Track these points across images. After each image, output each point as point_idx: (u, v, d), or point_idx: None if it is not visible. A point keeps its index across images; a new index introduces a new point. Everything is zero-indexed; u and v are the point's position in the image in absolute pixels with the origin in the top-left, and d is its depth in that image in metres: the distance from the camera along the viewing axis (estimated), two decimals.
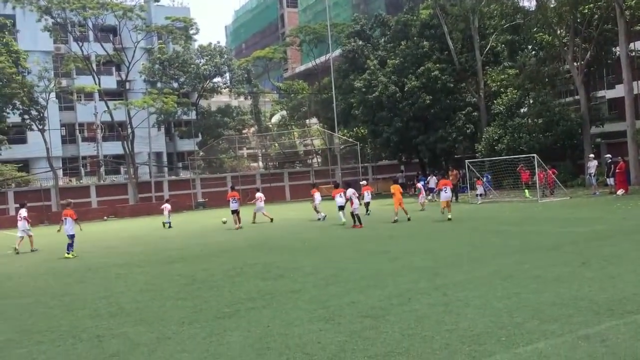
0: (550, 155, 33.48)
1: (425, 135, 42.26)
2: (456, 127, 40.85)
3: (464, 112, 41.34)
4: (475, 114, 41.62)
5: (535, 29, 38.91)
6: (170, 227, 29.07)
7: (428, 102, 40.40)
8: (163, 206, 30.83)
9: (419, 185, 29.76)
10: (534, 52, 41.09)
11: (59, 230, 19.30)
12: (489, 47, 40.91)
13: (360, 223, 21.14)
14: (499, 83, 39.49)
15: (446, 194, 21.78)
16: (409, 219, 22.26)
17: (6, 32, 46.08)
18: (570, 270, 10.01)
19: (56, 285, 12.68)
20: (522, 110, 38.46)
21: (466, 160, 32.26)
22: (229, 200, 25.71)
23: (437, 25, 41.76)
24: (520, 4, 40.42)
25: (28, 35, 52.57)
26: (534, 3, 38.29)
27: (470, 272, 10.51)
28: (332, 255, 14.35)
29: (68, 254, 18.08)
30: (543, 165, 28.34)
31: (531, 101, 38.48)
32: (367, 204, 26.74)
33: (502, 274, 10.02)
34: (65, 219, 18.66)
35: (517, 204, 26.67)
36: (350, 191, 21.93)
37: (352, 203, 21.82)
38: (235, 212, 25.21)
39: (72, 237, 18.37)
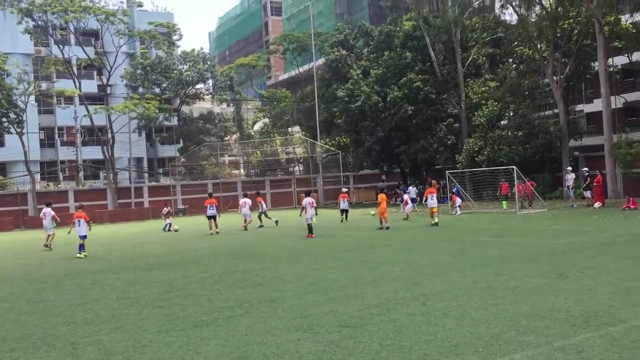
0: (529, 167, 33.86)
1: (406, 145, 42.49)
2: (437, 137, 41.16)
3: (445, 123, 41.69)
4: (457, 125, 42.01)
5: (516, 43, 39.52)
6: (175, 230, 29.23)
7: (410, 112, 40.65)
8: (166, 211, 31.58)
9: (405, 196, 29.90)
10: (514, 66, 41.68)
11: (69, 232, 20.14)
12: (470, 59, 41.36)
13: (311, 233, 21.34)
14: (479, 95, 39.90)
15: (432, 201, 23.93)
16: (387, 228, 22.50)
17: None
18: (547, 281, 10.11)
19: (31, 291, 12.47)
20: (502, 122, 38.90)
21: (447, 171, 32.51)
22: (207, 207, 26.20)
23: (420, 37, 42.13)
24: (502, 18, 41.05)
25: (8, 37, 51.86)
26: (515, 17, 38.90)
27: (449, 282, 10.56)
28: (312, 264, 14.32)
29: (80, 254, 18.96)
30: (522, 177, 28.65)
31: (511, 114, 38.94)
32: (343, 211, 28.37)
33: (481, 285, 10.08)
34: (78, 220, 19.51)
35: (496, 216, 26.90)
36: (307, 200, 21.85)
37: (305, 212, 21.73)
38: (212, 218, 25.84)
39: (84, 237, 19.28)
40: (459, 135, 41.46)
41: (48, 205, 23.48)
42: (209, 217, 25.85)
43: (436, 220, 23.31)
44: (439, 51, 42.13)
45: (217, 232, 25.28)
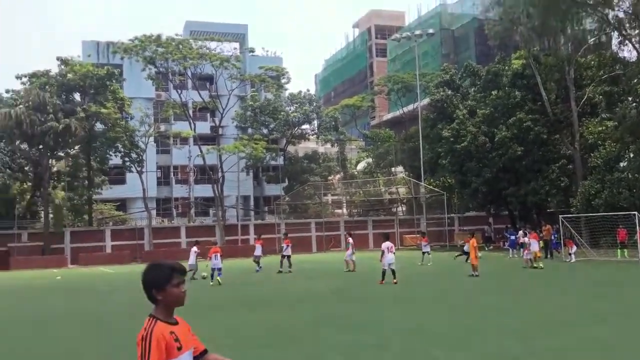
0: None
1: (515, 187, 40.88)
2: (549, 179, 39.27)
3: (557, 164, 39.72)
4: (570, 166, 39.88)
5: (635, 80, 37.18)
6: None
7: (519, 153, 39.23)
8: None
9: (525, 239, 27.85)
10: (634, 104, 39.12)
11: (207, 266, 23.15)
12: (585, 97, 39.40)
13: (383, 279, 19.92)
14: (596, 135, 37.80)
15: (535, 246, 25.26)
16: (476, 276, 21.10)
17: (114, 81, 49.55)
18: None
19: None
20: (621, 164, 36.50)
21: (560, 216, 30.79)
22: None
23: (530, 76, 40.80)
24: (620, 55, 38.90)
25: (133, 83, 56.21)
26: (634, 54, 36.76)
27: (565, 338, 9.85)
28: (416, 307, 13.97)
29: (215, 280, 22.01)
30: None
31: (631, 155, 36.47)
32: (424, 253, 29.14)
33: (601, 342, 9.31)
34: (215, 255, 22.39)
35: (615, 264, 25.04)
36: (385, 244, 20.42)
37: (383, 256, 20.11)
38: (287, 257, 27.16)
39: (220, 269, 22.15)
40: (573, 178, 39.29)
41: (196, 244, 26.32)
42: (286, 257, 27.15)
43: (541, 264, 24.57)
44: (551, 90, 40.55)
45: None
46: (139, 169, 48.77)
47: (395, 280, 19.65)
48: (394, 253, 20.48)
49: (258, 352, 9.58)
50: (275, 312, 14.18)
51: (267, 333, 11.33)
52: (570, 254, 27.66)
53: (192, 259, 24.79)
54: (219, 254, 22.29)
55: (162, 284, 3.38)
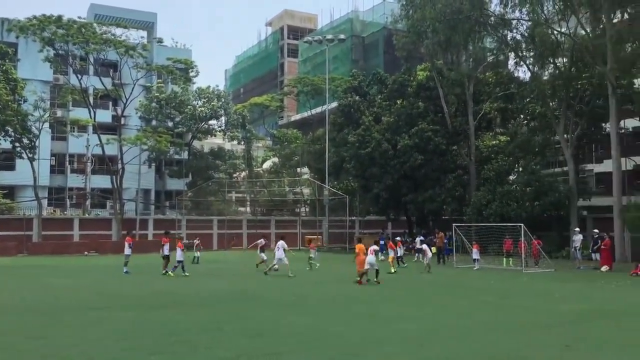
0: (536, 224, 33.63)
1: (414, 194, 42.47)
2: (446, 188, 41.15)
3: (454, 174, 41.73)
4: (466, 177, 42.01)
5: (528, 100, 39.83)
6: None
7: (419, 161, 40.80)
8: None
9: (424, 246, 28.65)
10: (525, 122, 41.90)
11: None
12: (482, 112, 41.65)
13: (360, 279, 20.79)
14: (489, 149, 40.02)
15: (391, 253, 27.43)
16: (358, 282, 20.93)
17: (7, 60, 46.22)
18: (555, 354, 9.88)
19: (31, 326, 12.29)
20: (511, 177, 38.90)
21: (453, 224, 32.29)
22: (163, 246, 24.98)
23: (433, 88, 42.60)
24: (515, 74, 41.51)
25: (28, 64, 52.70)
26: (528, 74, 39.32)
27: (455, 347, 10.35)
28: (319, 314, 14.13)
29: (176, 272, 23.88)
30: (529, 235, 28.38)
31: (520, 169, 38.99)
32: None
33: (487, 353, 9.87)
34: (177, 248, 24.59)
35: (501, 273, 26.59)
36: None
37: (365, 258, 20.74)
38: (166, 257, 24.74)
39: (181, 262, 24.15)
40: (468, 188, 41.42)
41: (282, 238, 24.53)
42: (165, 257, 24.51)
43: (393, 270, 25.81)
44: (452, 103, 42.51)
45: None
46: (30, 155, 45.79)
47: (377, 280, 21.12)
48: (374, 255, 21.51)
49: (147, 359, 9.29)
50: (172, 313, 13.82)
51: (161, 335, 11.02)
52: (474, 261, 28.49)
53: (279, 253, 23.62)
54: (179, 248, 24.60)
55: None
